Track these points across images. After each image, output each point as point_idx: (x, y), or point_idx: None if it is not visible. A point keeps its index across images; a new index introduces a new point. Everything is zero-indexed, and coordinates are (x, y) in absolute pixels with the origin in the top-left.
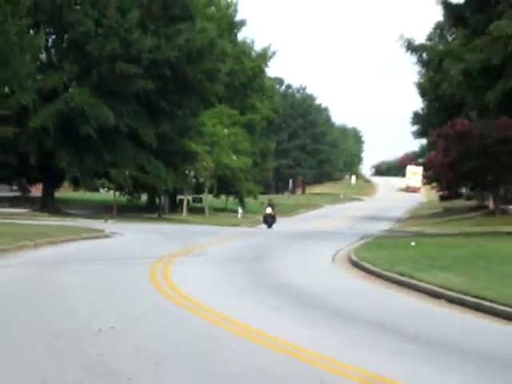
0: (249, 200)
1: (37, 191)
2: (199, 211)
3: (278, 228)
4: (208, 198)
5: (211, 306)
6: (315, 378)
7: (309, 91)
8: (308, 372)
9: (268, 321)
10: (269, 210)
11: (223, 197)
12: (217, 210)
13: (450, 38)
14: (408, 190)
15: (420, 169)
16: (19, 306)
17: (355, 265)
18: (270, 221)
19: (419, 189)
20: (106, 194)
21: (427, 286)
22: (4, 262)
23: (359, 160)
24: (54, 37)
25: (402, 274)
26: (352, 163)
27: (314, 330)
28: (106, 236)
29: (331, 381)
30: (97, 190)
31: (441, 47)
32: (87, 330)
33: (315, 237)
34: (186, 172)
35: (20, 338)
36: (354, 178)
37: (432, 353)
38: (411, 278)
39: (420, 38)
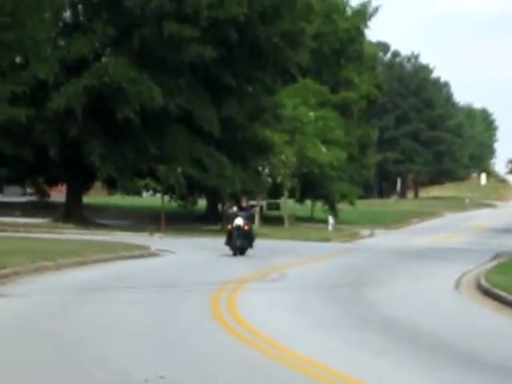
0: (342, 206)
1: (58, 195)
2: (276, 221)
3: (383, 243)
4: (288, 204)
5: (292, 348)
6: None
7: (423, 60)
8: None
9: (370, 369)
10: (240, 221)
11: (308, 202)
12: (300, 219)
13: None
14: None
15: None
16: (36, 352)
17: (486, 293)
18: (238, 243)
19: None
20: (151, 199)
21: None
22: (16, 289)
23: (491, 153)
24: None
25: None
26: (481, 157)
27: (433, 381)
28: (152, 254)
29: None
30: (139, 193)
31: None
32: (129, 380)
33: (432, 255)
34: (259, 169)
35: None
36: (483, 176)
37: None
38: None
39: None
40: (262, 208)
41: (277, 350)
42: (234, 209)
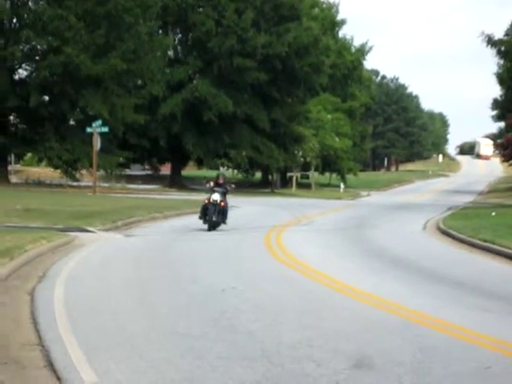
0: (349, 176)
1: (166, 170)
2: (306, 186)
3: (375, 200)
4: (314, 175)
5: (318, 269)
6: (411, 331)
7: (401, 81)
8: (405, 326)
9: (368, 281)
10: (216, 197)
11: (327, 174)
12: (322, 185)
13: None
14: (481, 157)
15: (491, 141)
16: (150, 270)
17: (443, 232)
18: (214, 218)
19: (490, 156)
20: (225, 172)
21: (507, 250)
22: (138, 231)
23: (445, 141)
24: (179, 36)
25: (484, 240)
26: (439, 144)
27: (409, 290)
28: None
29: (426, 334)
30: (217, 168)
31: None
32: (212, 290)
33: (408, 208)
34: (295, 152)
35: (153, 298)
36: (441, 156)
37: (510, 308)
38: (493, 243)
39: (499, 34)
40: (297, 178)
41: (308, 270)
42: (211, 183)
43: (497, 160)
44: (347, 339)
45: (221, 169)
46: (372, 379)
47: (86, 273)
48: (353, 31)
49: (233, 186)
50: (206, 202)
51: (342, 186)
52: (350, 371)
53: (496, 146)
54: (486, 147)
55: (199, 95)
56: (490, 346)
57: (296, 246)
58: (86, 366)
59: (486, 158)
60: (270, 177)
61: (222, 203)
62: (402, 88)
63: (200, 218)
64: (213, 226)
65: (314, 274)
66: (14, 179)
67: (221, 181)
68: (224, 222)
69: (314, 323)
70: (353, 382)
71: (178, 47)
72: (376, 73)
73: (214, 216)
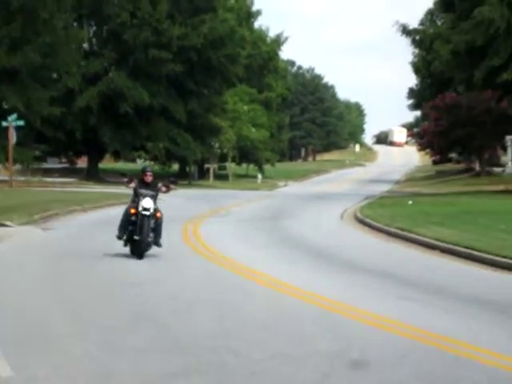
0: (267, 167)
1: (82, 163)
2: (224, 177)
3: (293, 190)
4: (231, 166)
5: (236, 259)
6: (329, 321)
7: (317, 71)
8: (322, 315)
9: (285, 271)
10: (149, 204)
11: (244, 164)
12: (239, 176)
13: (439, 23)
14: (394, 144)
15: (404, 129)
16: (66, 265)
17: (360, 221)
18: (148, 239)
19: (403, 143)
20: (142, 164)
21: (423, 238)
22: (55, 225)
23: (362, 130)
24: (94, 28)
25: (401, 229)
26: (356, 133)
27: (326, 279)
28: None
29: (343, 324)
30: (134, 160)
31: (431, 30)
32: (130, 282)
33: (325, 198)
34: (212, 144)
35: (71, 291)
36: (357, 146)
37: (429, 296)
38: (409, 232)
39: (413, 23)
40: (214, 169)
41: (226, 261)
42: (135, 182)
43: (413, 149)
44: (265, 329)
45: (138, 161)
46: (289, 368)
47: (1, 268)
48: (268, 22)
49: (172, 186)
50: (132, 211)
51: (260, 176)
52: (268, 361)
53: (412, 135)
54: (399, 134)
55: (115, 87)
56: (408, 335)
57: (213, 237)
58: (1, 361)
59: (400, 144)
60: (187, 169)
61: (158, 214)
62: (317, 78)
63: (119, 237)
64: (142, 252)
65: (232, 265)
66: None
67: (149, 178)
68: (157, 243)
69: (231, 314)
70: (270, 372)
71: (93, 39)
72: (292, 63)
73: (146, 235)
